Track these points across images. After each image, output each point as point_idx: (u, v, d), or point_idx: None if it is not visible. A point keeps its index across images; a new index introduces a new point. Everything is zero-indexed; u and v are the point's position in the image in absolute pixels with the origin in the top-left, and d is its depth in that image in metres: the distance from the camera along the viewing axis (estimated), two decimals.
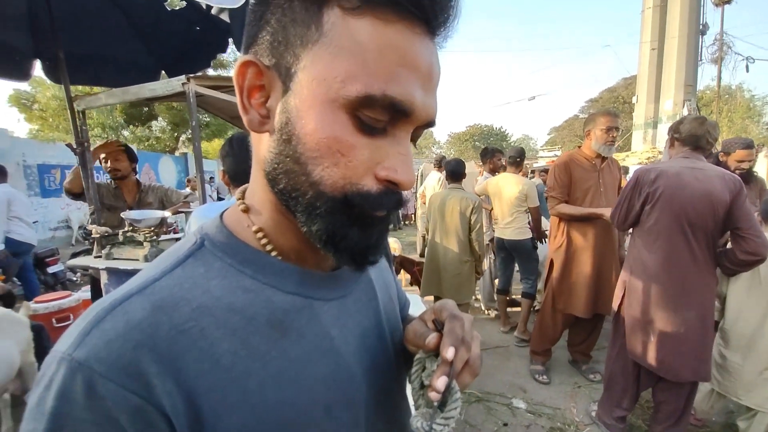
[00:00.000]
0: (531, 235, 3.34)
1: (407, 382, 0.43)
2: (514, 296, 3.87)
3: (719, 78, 17.11)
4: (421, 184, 5.94)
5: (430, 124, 0.36)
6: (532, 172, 7.23)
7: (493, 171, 3.93)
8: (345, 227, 0.34)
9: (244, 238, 0.39)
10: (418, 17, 0.32)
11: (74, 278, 5.52)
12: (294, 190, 0.34)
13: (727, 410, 2.24)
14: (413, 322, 0.45)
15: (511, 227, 3.31)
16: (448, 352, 0.36)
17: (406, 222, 11.43)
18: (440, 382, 0.36)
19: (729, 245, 1.91)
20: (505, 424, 2.30)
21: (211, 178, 12.65)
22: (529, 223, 3.37)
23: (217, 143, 20.74)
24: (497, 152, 3.99)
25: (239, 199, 0.41)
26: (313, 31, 0.31)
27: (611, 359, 2.19)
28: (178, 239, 2.24)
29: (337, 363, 0.38)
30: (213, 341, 0.32)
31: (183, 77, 1.71)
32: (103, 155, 2.43)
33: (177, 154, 15.68)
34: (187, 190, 6.89)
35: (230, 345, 0.33)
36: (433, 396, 0.37)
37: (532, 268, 3.41)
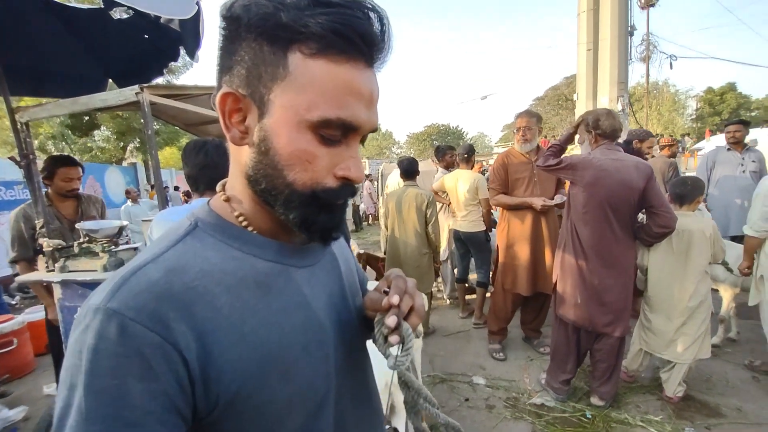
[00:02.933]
0: (484, 228, 3.60)
1: (373, 342, 0.55)
2: (472, 285, 4.12)
3: (647, 75, 18.79)
4: (384, 183, 6.10)
5: (374, 130, 0.50)
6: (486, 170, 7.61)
7: (448, 167, 4.16)
8: (314, 214, 0.47)
9: (229, 220, 0.49)
10: (361, 57, 0.43)
11: (13, 302, 5.14)
12: (273, 189, 0.45)
13: (653, 366, 2.58)
14: (369, 293, 0.59)
15: (466, 220, 3.54)
16: (393, 298, 0.50)
17: (369, 222, 11.58)
18: (390, 320, 0.49)
19: (645, 221, 2.23)
20: (467, 399, 2.49)
21: (165, 187, 12.06)
22: (482, 215, 3.63)
23: (169, 152, 19.79)
24: (450, 149, 4.22)
25: (220, 191, 0.53)
26: (281, 71, 0.41)
27: (554, 331, 2.46)
28: (136, 249, 2.23)
29: (309, 313, 0.49)
30: (214, 295, 0.42)
31: (136, 87, 1.72)
32: (63, 174, 2.29)
33: (125, 164, 14.80)
34: (128, 203, 6.49)
35: (227, 298, 0.42)
36: (393, 339, 0.50)
37: (485, 259, 3.64)
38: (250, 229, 0.49)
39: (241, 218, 0.49)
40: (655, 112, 26.43)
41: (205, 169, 1.37)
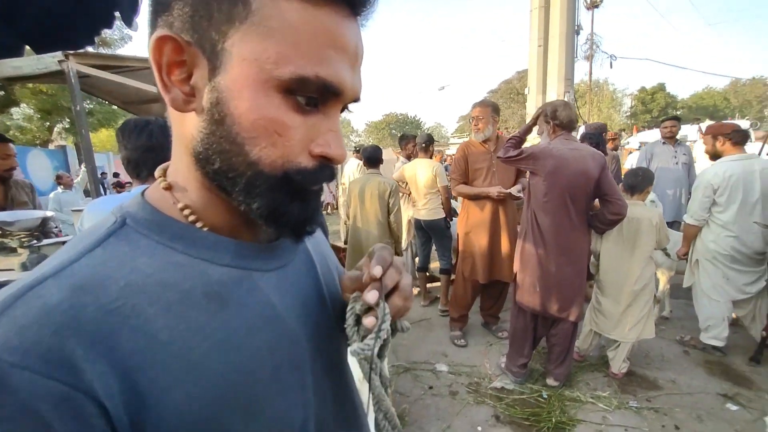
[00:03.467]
0: (444, 215, 3.62)
1: (344, 324, 0.45)
2: (433, 273, 4.16)
3: (590, 73, 20.05)
4: (341, 172, 5.97)
5: (357, 100, 0.39)
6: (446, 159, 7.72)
7: (409, 157, 4.14)
8: (285, 203, 0.37)
9: (171, 214, 0.38)
10: (344, 1, 0.33)
11: None
12: (230, 170, 0.34)
13: (600, 345, 2.75)
14: (349, 272, 0.49)
15: (426, 208, 3.54)
16: (375, 269, 0.40)
17: (328, 211, 11.37)
18: (370, 295, 0.39)
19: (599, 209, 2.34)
20: (431, 387, 2.51)
21: (102, 173, 10.99)
22: (442, 203, 3.65)
23: (105, 134, 18.01)
24: (412, 138, 4.20)
25: (160, 176, 0.40)
26: (240, 9, 0.31)
27: (513, 317, 2.54)
28: (64, 243, 1.96)
29: (281, 328, 0.39)
30: (147, 318, 0.31)
31: (60, 54, 1.46)
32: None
33: (52, 147, 13.26)
34: (59, 189, 5.73)
35: (166, 320, 0.32)
36: (368, 321, 0.39)
37: (446, 246, 3.68)
38: (199, 225, 0.38)
39: (186, 211, 0.38)
40: (596, 108, 28.35)
41: (150, 151, 1.19)
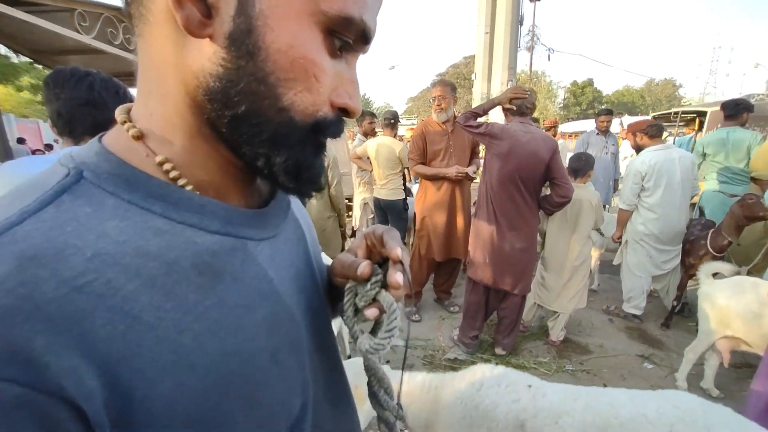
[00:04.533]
0: (404, 197, 3.61)
1: (341, 316, 0.42)
2: None
3: (531, 64, 21.14)
4: None
5: (366, 53, 0.36)
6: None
7: (366, 134, 4.05)
8: (311, 156, 0.33)
9: (144, 168, 0.30)
10: None
11: None
12: (255, 116, 0.29)
13: (541, 317, 2.99)
14: (340, 255, 0.45)
15: (386, 188, 3.50)
16: (396, 251, 0.37)
17: None
18: (399, 277, 0.36)
19: (548, 192, 2.48)
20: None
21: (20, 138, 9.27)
22: (403, 184, 3.64)
23: (3, 92, 15.35)
24: (369, 115, 4.09)
25: (125, 122, 0.32)
26: None
27: (467, 292, 2.65)
28: None
29: (278, 305, 0.35)
30: (126, 295, 0.25)
31: None
32: None
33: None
34: None
35: (151, 298, 0.26)
36: (370, 313, 0.37)
37: (400, 227, 3.69)
38: (181, 183, 0.31)
39: (167, 165, 0.31)
40: None
41: (88, 106, 0.99)
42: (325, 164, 2.35)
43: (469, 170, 2.90)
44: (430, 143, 2.93)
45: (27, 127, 13.19)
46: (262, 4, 0.27)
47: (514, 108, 2.37)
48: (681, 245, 2.89)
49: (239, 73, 0.28)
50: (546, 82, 34.56)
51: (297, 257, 0.41)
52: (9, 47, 2.29)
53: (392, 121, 3.58)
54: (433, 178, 2.95)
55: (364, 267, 0.38)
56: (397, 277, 0.36)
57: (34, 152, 6.86)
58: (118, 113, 0.33)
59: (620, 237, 3.11)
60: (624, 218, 3.02)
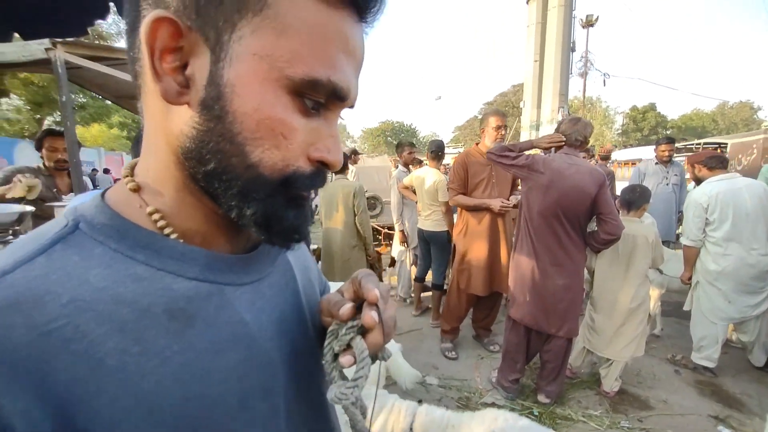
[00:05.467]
0: (447, 228, 3.54)
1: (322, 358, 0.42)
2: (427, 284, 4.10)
3: (584, 90, 20.44)
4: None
5: (352, 107, 0.38)
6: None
7: (406, 164, 4.10)
8: (282, 209, 0.34)
9: (136, 220, 0.33)
10: (353, 6, 0.32)
11: None
12: (225, 172, 0.32)
13: (592, 363, 2.72)
14: (329, 294, 0.45)
15: (430, 219, 3.45)
16: (373, 292, 0.37)
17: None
18: (373, 314, 0.36)
19: (595, 228, 2.31)
20: (420, 401, 2.44)
21: (93, 170, 10.83)
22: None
23: (97, 129, 17.74)
24: (408, 146, 4.16)
25: (127, 176, 0.36)
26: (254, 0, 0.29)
27: (507, 331, 2.49)
28: None
29: (252, 350, 0.36)
30: (93, 340, 0.27)
31: (47, 41, 1.40)
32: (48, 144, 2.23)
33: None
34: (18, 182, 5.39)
35: (117, 342, 0.28)
36: (345, 360, 0.37)
37: (443, 260, 3.58)
38: (167, 231, 0.34)
39: (156, 216, 0.34)
40: None
41: None
42: (347, 195, 2.39)
43: (511, 202, 2.80)
44: (472, 174, 2.88)
45: (113, 159, 15.09)
46: (230, 73, 0.30)
47: (563, 140, 2.28)
48: None
49: (210, 134, 0.31)
50: (602, 108, 33.09)
51: (284, 301, 0.42)
52: (98, 93, 2.67)
53: (437, 152, 3.57)
54: (475, 209, 2.87)
55: (346, 309, 0.38)
56: (372, 313, 0.36)
57: (116, 181, 7.86)
58: (125, 168, 0.37)
59: (690, 277, 2.78)
60: (690, 255, 2.71)
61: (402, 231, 3.91)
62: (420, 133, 46.59)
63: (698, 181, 2.87)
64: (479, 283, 2.87)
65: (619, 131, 35.75)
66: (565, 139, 2.26)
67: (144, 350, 0.29)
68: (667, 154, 4.04)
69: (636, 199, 2.41)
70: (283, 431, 0.38)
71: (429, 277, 3.79)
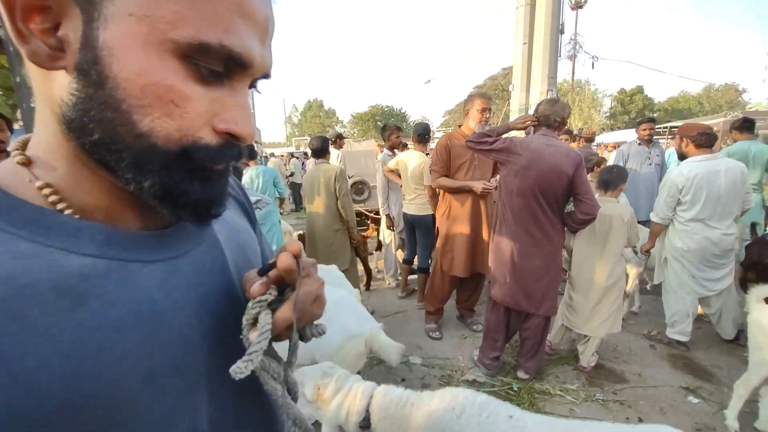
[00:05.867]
0: (432, 212, 3.55)
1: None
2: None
3: (573, 73, 20.39)
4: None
5: (267, 76, 0.36)
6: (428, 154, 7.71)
7: (392, 148, 4.07)
8: (184, 182, 0.33)
9: (23, 195, 0.31)
10: None
11: None
12: (114, 142, 0.30)
13: (571, 339, 2.80)
14: (249, 271, 0.44)
15: (415, 203, 3.46)
16: (255, 288, 0.38)
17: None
18: (255, 287, 0.38)
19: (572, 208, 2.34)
20: (403, 380, 2.50)
21: None
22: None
23: None
24: (396, 129, 4.12)
25: (16, 149, 0.34)
26: None
27: (488, 311, 2.54)
28: None
29: (161, 327, 0.34)
30: None
31: None
32: None
33: (17, 126, 12.52)
34: None
35: None
36: (253, 336, 0.37)
37: (428, 244, 3.59)
38: (61, 207, 0.32)
39: (46, 190, 0.32)
40: (577, 108, 28.94)
41: None
42: (328, 179, 2.37)
43: (493, 184, 2.82)
44: (454, 157, 2.88)
45: None
46: (106, 35, 0.28)
47: (538, 116, 2.29)
48: (732, 264, 2.60)
49: (90, 101, 0.29)
50: (590, 91, 33.13)
51: (209, 279, 0.41)
52: None
53: (423, 135, 3.54)
54: (457, 191, 2.89)
55: (257, 286, 0.38)
56: (255, 287, 0.38)
57: None
58: (15, 142, 0.36)
59: (649, 250, 2.88)
60: (656, 231, 2.80)
61: (388, 215, 3.92)
62: (410, 118, 46.20)
63: (682, 156, 2.89)
64: (461, 265, 2.91)
65: (607, 114, 35.96)
66: (537, 118, 2.28)
67: (23, 329, 0.27)
68: (648, 132, 4.08)
69: (613, 179, 2.45)
70: (201, 406, 0.37)
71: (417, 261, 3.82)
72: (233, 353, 0.40)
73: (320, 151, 3.18)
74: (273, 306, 0.39)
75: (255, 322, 0.38)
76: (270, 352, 0.41)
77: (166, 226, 0.39)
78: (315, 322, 0.46)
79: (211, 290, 0.41)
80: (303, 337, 0.45)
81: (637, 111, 34.88)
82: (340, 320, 1.66)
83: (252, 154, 4.17)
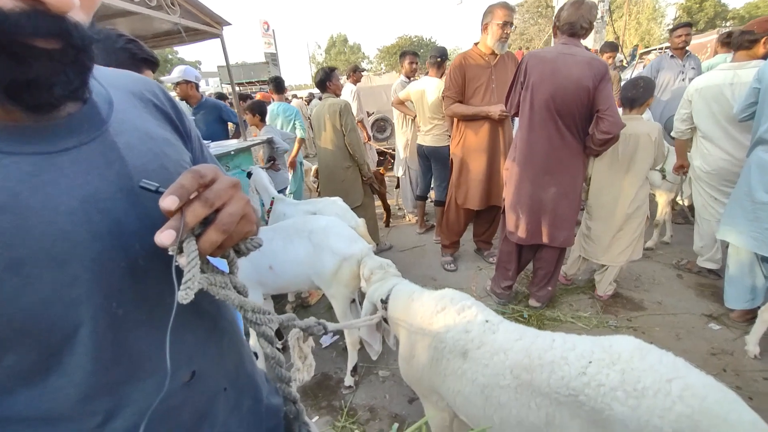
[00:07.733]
0: (448, 143, 3.40)
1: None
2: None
3: None
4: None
5: None
6: None
7: (408, 75, 3.83)
8: None
9: None
10: None
11: None
12: None
13: (591, 270, 2.72)
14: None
15: (431, 134, 3.30)
16: (165, 202, 0.36)
17: None
18: (163, 236, 0.36)
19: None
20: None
21: None
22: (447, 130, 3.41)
23: None
24: (410, 54, 3.83)
25: None
26: None
27: (501, 241, 2.50)
28: None
29: (27, 219, 0.34)
30: None
31: None
32: None
33: None
34: None
35: None
36: (182, 261, 0.37)
37: (445, 176, 3.49)
38: None
39: None
40: (635, 21, 25.34)
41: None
42: (333, 114, 2.27)
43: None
44: (470, 79, 2.63)
45: None
46: None
47: (558, 23, 2.02)
48: None
49: None
50: (651, 1, 28.65)
51: (98, 179, 0.40)
52: None
53: (439, 59, 3.24)
54: (473, 119, 2.69)
55: (168, 201, 0.37)
56: (162, 236, 0.36)
57: None
58: None
59: (680, 168, 2.62)
60: (679, 147, 2.57)
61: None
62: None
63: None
64: (476, 198, 2.82)
65: (670, 26, 31.29)
66: (558, 26, 2.01)
67: None
68: (683, 39, 3.51)
69: (640, 95, 2.16)
70: (97, 301, 0.38)
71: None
72: (142, 253, 0.42)
73: (322, 84, 2.99)
74: (197, 231, 0.39)
75: (181, 249, 0.38)
76: (210, 268, 0.44)
77: (39, 117, 0.37)
78: (251, 237, 0.47)
79: (102, 190, 0.40)
80: (239, 252, 0.47)
81: (706, 20, 30.03)
82: (328, 244, 1.71)
83: (279, 88, 4.11)
